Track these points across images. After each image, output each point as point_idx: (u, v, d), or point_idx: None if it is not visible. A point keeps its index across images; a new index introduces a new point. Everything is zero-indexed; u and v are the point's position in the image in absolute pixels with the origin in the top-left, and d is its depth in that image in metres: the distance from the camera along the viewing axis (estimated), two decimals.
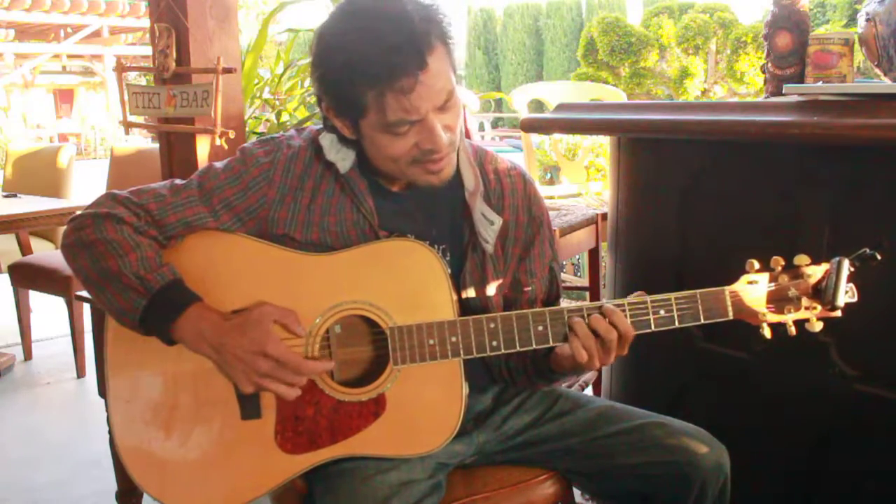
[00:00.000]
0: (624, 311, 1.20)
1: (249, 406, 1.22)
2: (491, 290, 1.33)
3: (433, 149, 1.16)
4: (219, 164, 1.29)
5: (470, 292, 1.32)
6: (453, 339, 1.20)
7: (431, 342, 1.20)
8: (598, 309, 1.20)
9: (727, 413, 1.59)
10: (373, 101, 1.12)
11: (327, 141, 1.27)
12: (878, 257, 1.15)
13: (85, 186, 4.81)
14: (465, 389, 1.24)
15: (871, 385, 1.43)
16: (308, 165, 1.28)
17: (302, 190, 1.27)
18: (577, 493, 1.44)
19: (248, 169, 1.26)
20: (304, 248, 1.26)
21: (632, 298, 1.21)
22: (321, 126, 1.32)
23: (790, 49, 1.61)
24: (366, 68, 1.09)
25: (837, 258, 1.17)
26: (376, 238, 1.26)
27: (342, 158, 1.26)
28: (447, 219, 1.33)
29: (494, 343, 1.21)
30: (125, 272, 1.17)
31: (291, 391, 1.17)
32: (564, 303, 1.38)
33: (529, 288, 1.37)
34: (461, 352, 1.21)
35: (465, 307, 1.30)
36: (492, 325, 1.21)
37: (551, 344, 1.22)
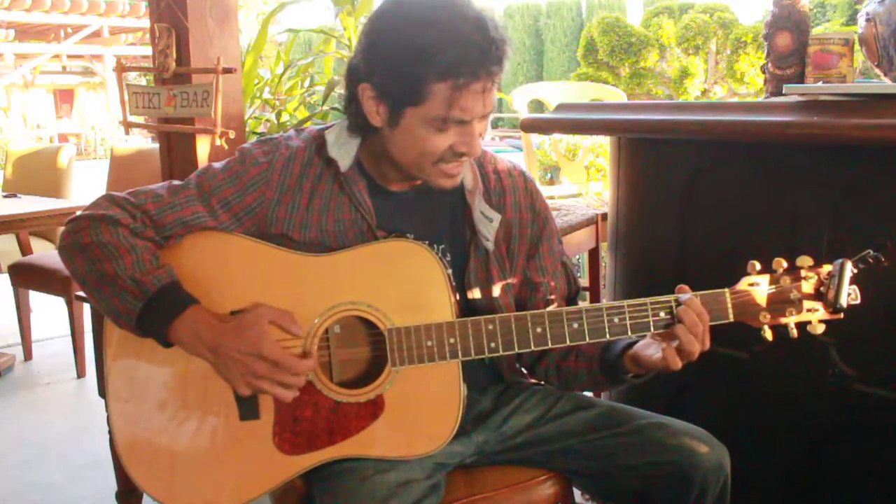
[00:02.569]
0: (623, 313, 1.20)
1: (248, 407, 1.22)
2: (497, 289, 1.33)
3: (467, 152, 1.18)
4: (217, 165, 1.29)
5: (475, 293, 1.32)
6: (451, 340, 1.20)
7: (430, 343, 1.20)
8: (596, 310, 1.19)
9: (727, 413, 1.59)
10: (437, 93, 1.12)
11: (332, 136, 1.27)
12: (882, 259, 1.15)
13: (85, 186, 4.81)
14: (464, 391, 1.24)
15: (871, 385, 1.43)
16: (306, 165, 1.28)
17: (300, 190, 1.27)
18: (577, 493, 1.44)
19: (247, 169, 1.26)
20: (301, 248, 1.26)
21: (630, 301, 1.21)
22: (322, 126, 1.32)
23: (790, 49, 1.61)
24: (446, 60, 1.10)
25: (840, 260, 1.16)
26: (374, 238, 1.26)
27: (343, 155, 1.26)
28: (447, 219, 1.33)
29: (493, 345, 1.21)
30: (121, 275, 1.17)
31: (288, 393, 1.17)
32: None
33: (544, 285, 1.37)
34: (459, 353, 1.21)
35: (472, 308, 1.30)
36: (490, 327, 1.21)
37: (550, 346, 1.21)
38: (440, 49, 1.10)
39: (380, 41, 1.17)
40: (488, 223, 1.31)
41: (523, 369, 1.44)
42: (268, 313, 1.17)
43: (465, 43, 1.10)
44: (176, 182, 1.28)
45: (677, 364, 1.18)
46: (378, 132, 1.22)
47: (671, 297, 1.20)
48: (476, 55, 1.11)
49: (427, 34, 1.11)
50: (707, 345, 1.19)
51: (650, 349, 1.21)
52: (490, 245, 1.31)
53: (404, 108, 1.16)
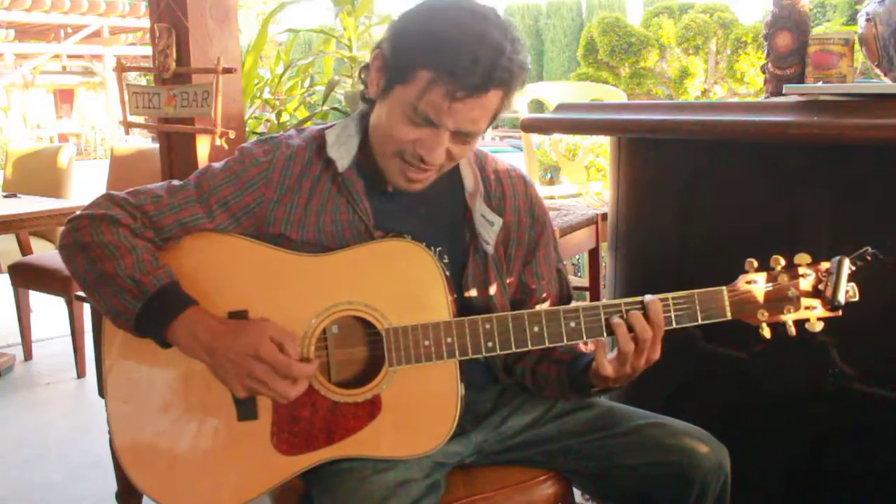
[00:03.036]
0: (620, 311, 1.19)
1: (246, 407, 1.21)
2: (494, 292, 1.33)
3: (423, 157, 1.18)
4: (217, 164, 1.29)
5: (473, 295, 1.32)
6: (449, 340, 1.20)
7: (427, 343, 1.20)
8: (638, 303, 1.19)
9: (727, 413, 1.59)
10: (419, 78, 1.13)
11: (333, 136, 1.27)
12: (881, 257, 1.15)
13: (85, 186, 4.80)
14: (461, 391, 1.24)
15: (871, 385, 1.43)
16: (306, 165, 1.28)
17: (299, 190, 1.27)
18: (577, 493, 1.44)
19: (247, 168, 1.26)
20: (299, 248, 1.26)
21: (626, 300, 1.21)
22: (322, 126, 1.32)
23: (790, 49, 1.61)
24: (441, 54, 1.11)
25: (838, 257, 1.16)
26: (371, 239, 1.26)
27: (342, 155, 1.26)
28: (446, 220, 1.33)
29: (490, 344, 1.21)
30: (121, 275, 1.17)
31: (285, 396, 1.16)
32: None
33: (538, 291, 1.37)
34: (457, 353, 1.21)
35: (469, 309, 1.30)
36: (487, 327, 1.21)
37: (547, 345, 1.21)
38: (445, 44, 1.11)
39: (409, 18, 1.19)
40: (489, 227, 1.31)
41: (504, 371, 1.42)
42: (270, 328, 1.17)
43: (466, 51, 1.10)
44: (175, 182, 1.28)
45: (608, 370, 1.18)
46: (373, 104, 1.23)
47: (668, 296, 1.20)
48: (468, 65, 1.10)
49: (446, 29, 1.12)
50: (654, 356, 1.19)
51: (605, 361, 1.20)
52: (490, 249, 1.31)
53: (394, 85, 1.17)
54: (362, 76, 1.26)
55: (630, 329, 1.18)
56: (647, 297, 1.19)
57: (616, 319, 1.18)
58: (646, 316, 1.18)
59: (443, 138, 1.17)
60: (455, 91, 1.11)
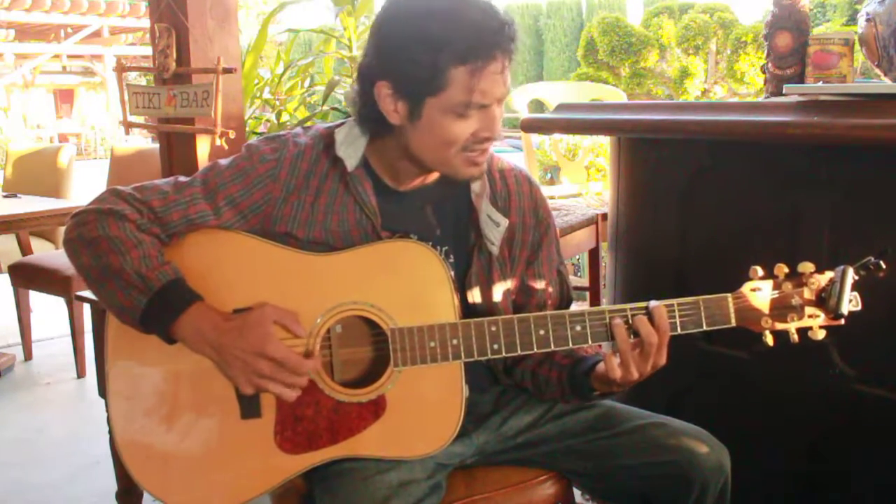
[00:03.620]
0: (626, 316, 1.19)
1: (249, 405, 1.22)
2: (497, 293, 1.33)
3: (490, 136, 1.18)
4: (224, 161, 1.29)
5: (476, 295, 1.32)
6: (454, 341, 1.20)
7: (432, 344, 1.20)
8: (643, 309, 1.19)
9: (727, 413, 1.59)
10: (458, 78, 1.13)
11: (341, 135, 1.27)
12: (883, 266, 1.15)
13: (85, 186, 4.80)
14: (466, 392, 1.24)
15: (871, 385, 1.43)
16: (314, 163, 1.28)
17: (306, 188, 1.27)
18: (577, 493, 1.44)
19: (254, 166, 1.26)
20: (305, 246, 1.26)
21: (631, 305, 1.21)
22: (330, 125, 1.32)
23: (790, 49, 1.61)
24: (460, 45, 1.11)
25: (842, 267, 1.16)
26: (378, 239, 1.26)
27: (350, 155, 1.26)
28: (451, 221, 1.33)
29: (496, 346, 1.21)
30: (127, 269, 1.17)
31: (291, 392, 1.17)
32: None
33: (539, 292, 1.37)
34: (462, 354, 1.21)
35: (472, 311, 1.30)
36: (493, 329, 1.21)
37: (553, 348, 1.21)
38: (453, 35, 1.11)
39: (391, 37, 1.17)
40: (495, 227, 1.31)
41: (504, 373, 1.41)
42: (272, 313, 1.17)
43: (476, 26, 1.11)
44: (182, 178, 1.28)
45: (616, 374, 1.18)
46: (394, 131, 1.22)
47: (673, 302, 1.20)
48: (489, 36, 1.12)
49: (437, 23, 1.12)
50: (661, 361, 1.19)
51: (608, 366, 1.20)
52: (495, 249, 1.31)
53: (424, 100, 1.16)
54: (362, 111, 1.23)
55: (635, 334, 1.18)
56: (653, 303, 1.19)
57: (618, 321, 1.19)
58: (651, 321, 1.18)
59: (496, 113, 1.18)
60: (496, 63, 1.13)
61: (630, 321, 1.19)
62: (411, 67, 1.14)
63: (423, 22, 1.13)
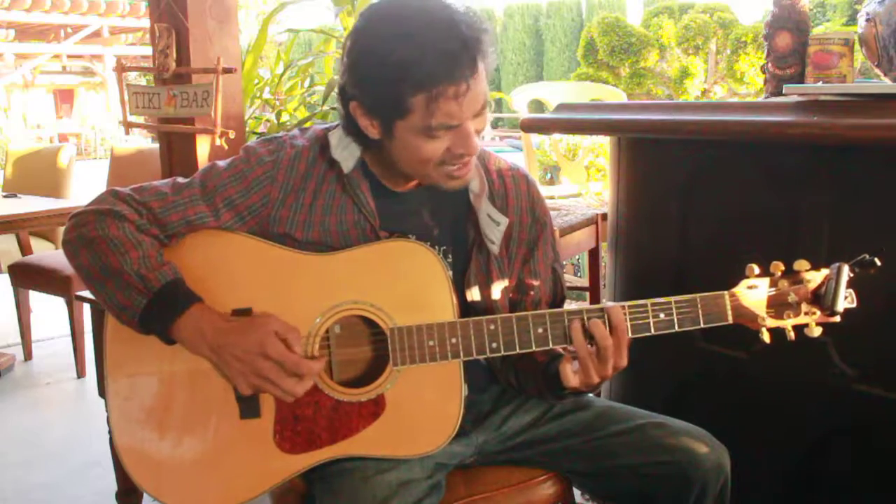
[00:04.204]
0: (624, 314, 1.19)
1: (248, 405, 1.22)
2: (496, 291, 1.33)
3: (465, 153, 1.18)
4: (222, 163, 1.29)
5: (475, 294, 1.32)
6: (453, 340, 1.20)
7: (431, 343, 1.20)
8: (599, 311, 1.20)
9: (727, 413, 1.59)
10: (419, 105, 1.12)
11: (335, 138, 1.27)
12: (878, 263, 1.15)
13: (85, 186, 4.81)
14: (465, 391, 1.24)
15: (871, 385, 1.43)
16: (311, 165, 1.28)
17: (304, 189, 1.27)
18: (577, 493, 1.44)
19: (252, 167, 1.27)
20: (304, 247, 1.26)
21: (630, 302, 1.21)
22: (326, 125, 1.32)
23: (790, 49, 1.61)
24: (419, 72, 1.10)
25: (837, 264, 1.17)
26: (377, 239, 1.26)
27: (346, 157, 1.26)
28: (450, 220, 1.33)
29: (494, 345, 1.21)
30: (126, 270, 1.17)
31: (291, 394, 1.17)
32: (566, 304, 1.38)
33: (534, 289, 1.37)
34: (461, 353, 1.21)
35: (470, 309, 1.30)
36: (492, 327, 1.21)
37: (551, 346, 1.21)
38: (412, 62, 1.10)
39: (359, 60, 1.17)
40: (495, 226, 1.31)
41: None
42: (275, 323, 1.17)
43: (435, 52, 1.09)
44: (180, 180, 1.28)
45: (572, 382, 1.18)
46: (379, 143, 1.22)
47: (671, 299, 1.20)
48: (448, 62, 1.09)
49: (399, 49, 1.10)
50: (621, 363, 1.18)
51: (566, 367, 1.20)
52: (496, 248, 1.31)
53: (393, 122, 1.16)
54: (347, 126, 1.24)
55: (590, 337, 1.18)
56: (608, 304, 1.19)
57: (576, 324, 1.18)
58: (608, 324, 1.18)
59: (469, 129, 1.16)
60: (457, 89, 1.11)
61: (586, 324, 1.18)
62: (376, 91, 1.15)
63: (387, 46, 1.12)
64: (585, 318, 1.19)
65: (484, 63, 1.15)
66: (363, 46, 1.16)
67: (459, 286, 1.31)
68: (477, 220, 1.31)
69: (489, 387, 1.42)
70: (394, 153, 1.22)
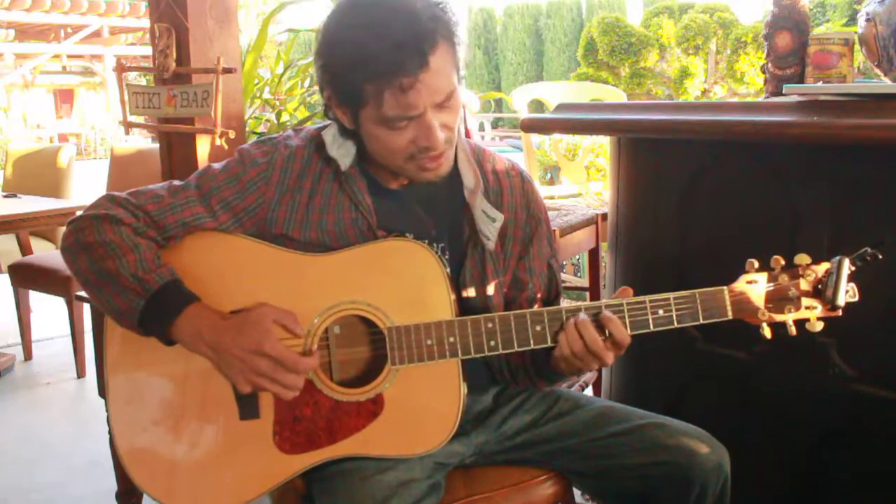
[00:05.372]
0: (622, 310, 1.19)
1: (248, 406, 1.22)
2: (491, 288, 1.33)
3: (429, 146, 1.17)
4: (217, 165, 1.29)
5: (470, 291, 1.32)
6: (451, 339, 1.20)
7: (429, 342, 1.20)
8: (597, 309, 1.20)
9: (727, 413, 1.59)
10: (371, 95, 1.13)
11: (330, 136, 1.27)
12: (880, 256, 1.15)
13: (85, 186, 4.81)
14: (464, 390, 1.24)
15: (871, 385, 1.43)
16: (306, 165, 1.28)
17: (300, 189, 1.27)
18: (577, 493, 1.44)
19: (246, 170, 1.27)
20: (302, 247, 1.26)
21: (628, 297, 1.21)
22: (320, 126, 1.33)
23: (790, 49, 1.61)
24: (367, 63, 1.10)
25: (838, 257, 1.16)
26: (374, 237, 1.26)
27: (343, 155, 1.26)
28: (446, 218, 1.33)
29: (492, 343, 1.21)
30: (123, 273, 1.17)
31: (289, 391, 1.17)
32: (564, 302, 1.37)
33: (530, 286, 1.37)
34: (459, 352, 1.21)
35: (466, 306, 1.30)
36: (490, 325, 1.21)
37: (549, 344, 1.22)
38: (365, 53, 1.10)
39: (321, 51, 1.18)
40: (490, 223, 1.31)
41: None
42: (271, 312, 1.18)
43: (389, 44, 1.09)
44: (176, 182, 1.28)
45: (563, 365, 1.21)
46: (357, 133, 1.23)
47: (669, 296, 1.20)
48: (395, 54, 1.09)
49: (355, 40, 1.11)
50: (606, 361, 1.20)
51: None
52: (491, 245, 1.32)
53: (358, 111, 1.17)
54: (329, 115, 1.25)
55: (605, 332, 1.19)
56: (608, 302, 1.21)
57: (570, 322, 1.20)
58: (612, 338, 1.19)
59: (430, 121, 1.15)
60: (402, 82, 1.10)
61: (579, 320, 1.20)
62: (337, 81, 1.17)
63: (346, 35, 1.13)
64: (626, 309, 1.20)
65: (446, 55, 1.14)
66: (326, 36, 1.18)
67: (456, 284, 1.31)
68: (472, 216, 1.31)
69: (489, 387, 1.42)
70: (368, 145, 1.22)
